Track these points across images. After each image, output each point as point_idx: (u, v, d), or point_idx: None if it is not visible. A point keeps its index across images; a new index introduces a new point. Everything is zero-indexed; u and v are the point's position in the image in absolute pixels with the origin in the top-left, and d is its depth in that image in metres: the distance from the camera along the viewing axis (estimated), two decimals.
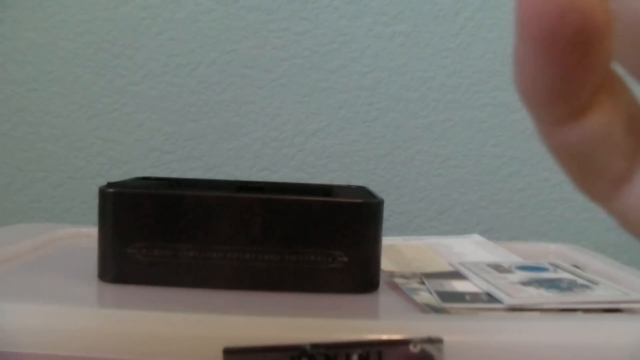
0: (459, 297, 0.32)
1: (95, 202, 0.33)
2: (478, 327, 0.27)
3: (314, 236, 0.32)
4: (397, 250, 0.44)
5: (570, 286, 0.33)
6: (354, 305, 0.31)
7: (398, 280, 0.35)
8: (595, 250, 0.45)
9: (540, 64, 0.12)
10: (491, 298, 0.32)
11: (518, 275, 0.35)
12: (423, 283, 0.34)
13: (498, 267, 0.37)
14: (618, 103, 0.13)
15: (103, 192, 0.33)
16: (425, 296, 0.32)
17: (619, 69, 0.13)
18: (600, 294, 0.32)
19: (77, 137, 0.63)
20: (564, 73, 0.12)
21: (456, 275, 0.36)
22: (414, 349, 0.25)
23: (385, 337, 0.26)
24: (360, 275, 0.33)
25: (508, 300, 0.30)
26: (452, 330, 0.26)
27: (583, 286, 0.33)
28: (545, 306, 0.30)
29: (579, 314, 0.30)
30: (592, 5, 0.11)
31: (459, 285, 0.34)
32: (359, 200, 0.33)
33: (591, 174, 0.13)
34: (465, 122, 0.65)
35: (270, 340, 0.25)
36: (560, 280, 0.34)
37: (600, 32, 0.11)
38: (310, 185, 0.42)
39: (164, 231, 0.32)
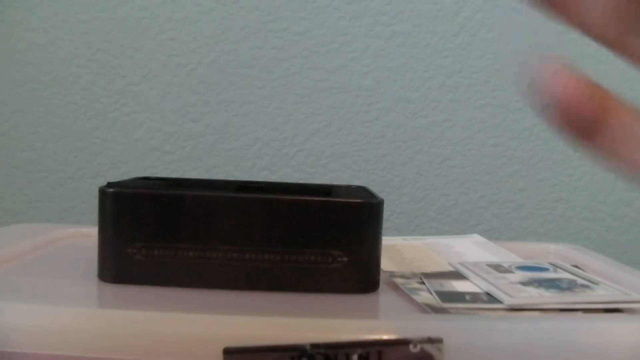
0: (459, 297, 0.32)
1: (95, 202, 0.33)
2: (478, 327, 0.27)
3: (314, 236, 0.32)
4: (397, 250, 0.44)
5: (570, 286, 0.33)
6: (354, 305, 0.31)
7: (398, 280, 0.35)
8: (595, 250, 0.45)
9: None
10: (491, 298, 0.32)
11: (518, 275, 0.35)
12: (423, 283, 0.34)
13: (498, 267, 0.37)
14: None
15: (103, 192, 0.33)
16: (425, 296, 0.32)
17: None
18: (600, 294, 0.32)
19: (77, 137, 0.63)
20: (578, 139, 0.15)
21: (456, 275, 0.36)
22: (414, 349, 0.25)
23: (385, 337, 0.26)
24: (360, 275, 0.33)
25: (508, 300, 0.30)
26: (452, 330, 0.26)
27: (583, 286, 0.33)
28: (545, 306, 0.30)
29: (579, 314, 0.30)
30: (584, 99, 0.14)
31: (459, 285, 0.34)
32: (359, 200, 0.33)
33: None
34: (465, 122, 0.65)
35: (270, 340, 0.25)
36: (560, 280, 0.34)
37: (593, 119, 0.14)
38: (310, 185, 0.42)
39: (164, 231, 0.32)
